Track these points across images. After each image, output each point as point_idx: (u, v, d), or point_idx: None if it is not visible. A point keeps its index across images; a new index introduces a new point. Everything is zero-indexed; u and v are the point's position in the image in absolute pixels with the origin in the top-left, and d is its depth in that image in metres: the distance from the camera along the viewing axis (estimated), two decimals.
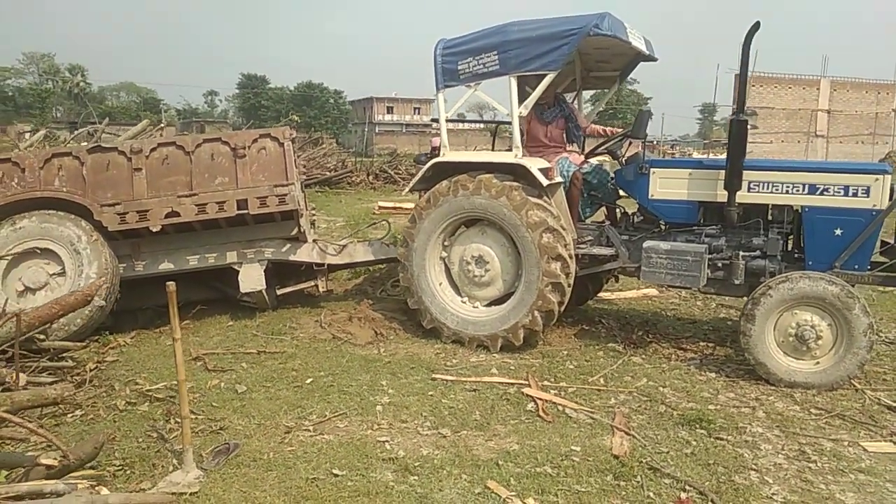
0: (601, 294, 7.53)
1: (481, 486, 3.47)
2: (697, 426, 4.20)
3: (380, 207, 13.31)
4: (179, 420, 3.67)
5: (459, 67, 5.66)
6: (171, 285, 3.45)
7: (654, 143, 53.03)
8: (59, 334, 5.45)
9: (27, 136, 11.79)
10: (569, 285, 5.50)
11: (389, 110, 69.56)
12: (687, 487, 3.47)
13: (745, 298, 5.09)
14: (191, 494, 3.37)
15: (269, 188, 6.02)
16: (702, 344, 5.94)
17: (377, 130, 53.37)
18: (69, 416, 4.33)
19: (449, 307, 5.82)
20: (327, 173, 17.12)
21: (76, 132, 13.79)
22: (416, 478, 3.57)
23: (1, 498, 2.49)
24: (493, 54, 5.47)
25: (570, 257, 5.47)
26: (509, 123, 5.63)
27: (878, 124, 33.52)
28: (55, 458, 2.93)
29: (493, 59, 5.48)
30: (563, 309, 5.60)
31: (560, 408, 4.52)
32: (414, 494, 3.41)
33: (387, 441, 4.00)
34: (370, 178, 18.25)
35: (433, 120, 7.45)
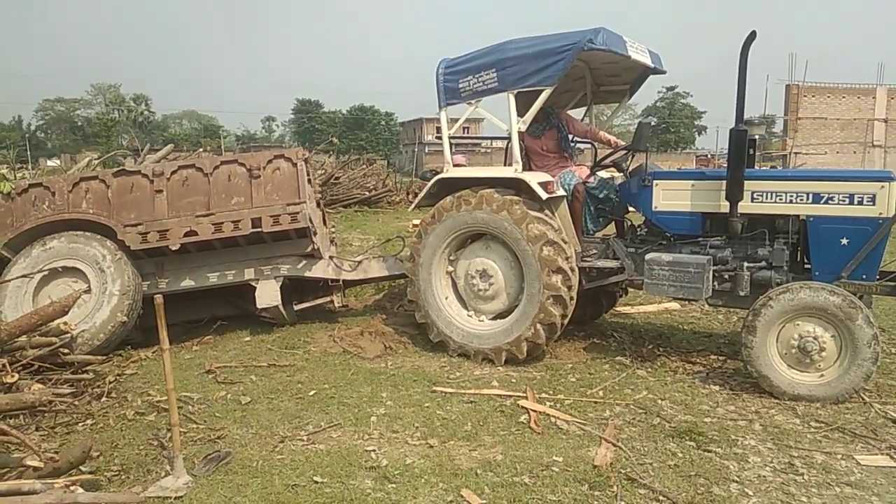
0: (619, 308, 7.49)
1: (455, 494, 3.53)
2: (687, 438, 4.16)
3: (414, 225, 13.48)
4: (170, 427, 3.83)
5: (460, 86, 5.79)
6: (159, 298, 3.63)
7: (710, 156, 52.07)
8: (83, 349, 5.76)
9: (89, 161, 12.41)
10: (571, 298, 5.51)
11: (439, 130, 70.03)
12: (661, 498, 3.45)
13: None
14: (176, 499, 3.52)
15: (281, 207, 6.23)
16: (712, 357, 5.85)
17: (427, 150, 53.83)
18: (80, 424, 4.58)
19: (454, 321, 5.90)
20: (367, 193, 17.44)
21: (139, 159, 14.42)
22: (393, 485, 3.64)
23: None
24: (492, 72, 5.58)
25: (572, 270, 5.49)
26: (508, 139, 5.72)
27: None
28: (42, 461, 3.13)
29: (491, 76, 5.59)
30: (566, 322, 5.61)
31: (553, 419, 4.53)
32: (388, 501, 3.48)
33: (373, 450, 4.08)
34: (410, 196, 18.49)
35: (437, 137, 7.59)
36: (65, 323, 5.41)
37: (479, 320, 5.94)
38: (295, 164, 6.37)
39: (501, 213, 5.51)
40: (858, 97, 30.87)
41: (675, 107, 72.61)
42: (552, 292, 5.38)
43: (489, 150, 49.31)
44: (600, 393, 5.02)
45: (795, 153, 29.93)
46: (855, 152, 30.67)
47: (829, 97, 30.58)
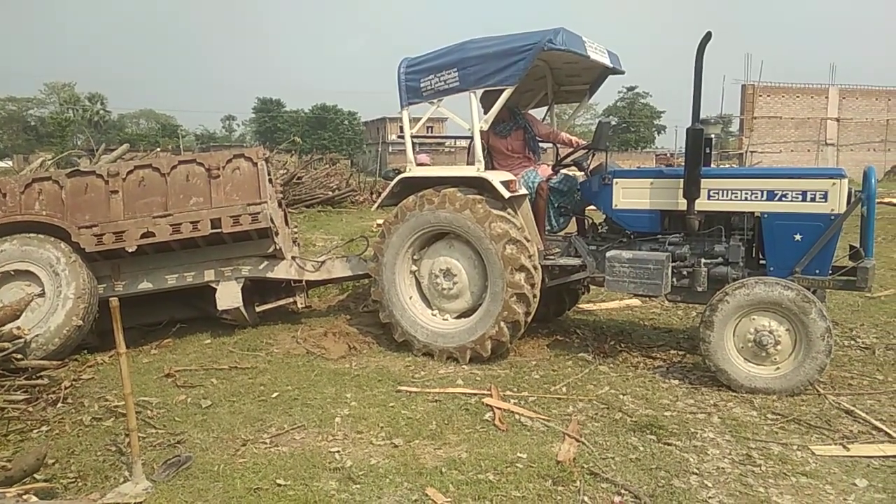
0: (582, 305, 7.57)
1: (419, 493, 3.53)
2: (648, 432, 4.22)
3: (377, 225, 13.43)
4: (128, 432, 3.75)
5: (422, 85, 5.78)
6: (114, 301, 3.55)
7: (669, 155, 53.01)
8: (37, 354, 5.61)
9: (43, 162, 12.01)
10: (534, 296, 5.55)
11: (402, 129, 69.71)
12: (622, 491, 3.49)
13: None
14: None
15: (242, 207, 6.14)
16: (672, 352, 5.96)
17: (390, 150, 53.71)
18: (34, 431, 4.46)
19: (419, 320, 5.90)
20: (330, 193, 17.32)
21: (94, 159, 14.05)
22: (358, 486, 3.62)
23: None
24: (453, 71, 5.58)
25: (535, 268, 5.53)
26: (471, 138, 5.74)
27: (890, 131, 33.22)
28: None
29: (453, 76, 5.59)
30: (529, 319, 5.64)
31: (517, 416, 4.56)
32: (352, 502, 3.46)
33: (337, 451, 4.05)
34: (373, 196, 18.42)
35: (399, 137, 7.59)
36: (18, 327, 5.26)
37: (444, 319, 5.95)
38: (255, 164, 6.29)
39: (464, 212, 5.52)
40: (812, 97, 31.77)
41: (636, 107, 73.65)
42: (515, 290, 5.41)
43: (453, 150, 49.44)
44: (563, 389, 5.07)
45: (751, 152, 30.64)
46: (809, 150, 31.53)
47: (783, 97, 31.40)
